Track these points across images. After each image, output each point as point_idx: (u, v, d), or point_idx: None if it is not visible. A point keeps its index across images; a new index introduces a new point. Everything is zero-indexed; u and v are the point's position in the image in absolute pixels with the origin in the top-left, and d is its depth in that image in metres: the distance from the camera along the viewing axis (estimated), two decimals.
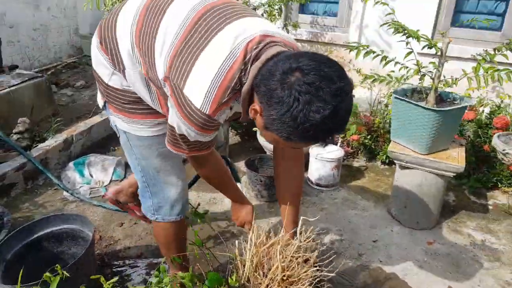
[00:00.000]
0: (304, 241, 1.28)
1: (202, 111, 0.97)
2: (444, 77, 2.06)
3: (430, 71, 2.04)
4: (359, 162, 2.85)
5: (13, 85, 2.91)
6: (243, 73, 0.96)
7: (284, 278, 1.22)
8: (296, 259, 1.24)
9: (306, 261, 1.27)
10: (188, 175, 1.51)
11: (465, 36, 2.91)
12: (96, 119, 2.97)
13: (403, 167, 2.09)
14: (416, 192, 2.09)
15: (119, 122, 1.29)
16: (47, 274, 1.14)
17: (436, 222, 2.20)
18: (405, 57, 2.03)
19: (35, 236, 1.59)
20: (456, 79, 2.08)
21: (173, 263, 1.40)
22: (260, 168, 2.51)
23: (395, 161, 2.10)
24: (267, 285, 1.22)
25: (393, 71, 2.18)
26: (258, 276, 1.25)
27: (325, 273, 1.22)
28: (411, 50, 2.02)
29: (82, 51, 4.87)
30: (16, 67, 3.27)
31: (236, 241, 1.32)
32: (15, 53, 4.03)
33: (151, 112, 1.24)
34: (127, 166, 2.66)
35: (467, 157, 2.52)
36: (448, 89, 2.14)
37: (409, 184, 2.10)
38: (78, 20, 4.78)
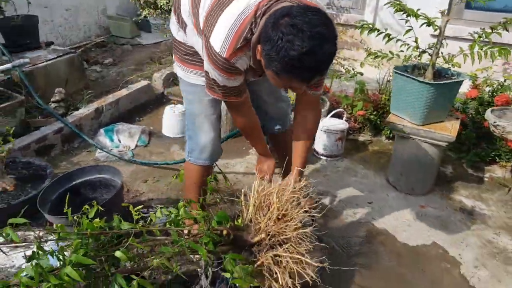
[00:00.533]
0: (298, 188, 1.51)
1: (221, 54, 1.23)
2: (442, 53, 2.20)
3: (430, 49, 2.18)
4: (365, 137, 3.02)
5: (50, 59, 3.22)
6: (253, 25, 1.20)
7: (279, 217, 1.45)
8: (291, 202, 1.48)
9: (298, 204, 1.50)
10: None
11: (477, 18, 2.99)
12: (123, 92, 3.25)
13: (400, 137, 2.27)
14: (412, 160, 2.27)
15: (178, 70, 1.63)
16: (86, 206, 1.41)
17: (431, 189, 2.37)
18: (405, 34, 2.17)
19: (74, 183, 1.89)
20: (453, 55, 2.22)
21: (190, 203, 1.66)
22: None
23: (393, 131, 2.28)
24: (266, 223, 1.46)
25: (402, 51, 2.33)
26: (258, 217, 1.50)
27: (314, 214, 1.45)
28: (409, 30, 2.15)
29: (109, 31, 5.16)
30: (52, 43, 3.58)
31: (242, 190, 1.56)
32: (49, 31, 4.34)
33: (202, 65, 1.48)
34: (150, 134, 2.94)
35: (468, 133, 2.67)
36: (456, 69, 2.26)
37: (406, 153, 2.28)
38: (106, 1, 5.06)
